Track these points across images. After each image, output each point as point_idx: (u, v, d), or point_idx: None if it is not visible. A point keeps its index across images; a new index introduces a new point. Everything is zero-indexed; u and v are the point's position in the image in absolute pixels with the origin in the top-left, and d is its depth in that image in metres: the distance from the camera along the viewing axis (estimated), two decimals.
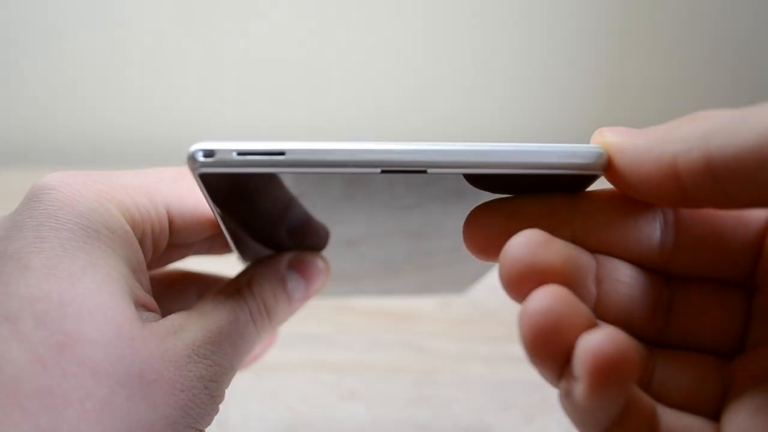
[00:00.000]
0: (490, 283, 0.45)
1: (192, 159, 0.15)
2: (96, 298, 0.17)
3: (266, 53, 0.63)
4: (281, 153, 0.15)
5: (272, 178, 0.16)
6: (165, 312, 0.20)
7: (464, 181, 0.17)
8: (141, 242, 0.20)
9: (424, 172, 0.15)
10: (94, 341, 0.17)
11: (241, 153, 0.15)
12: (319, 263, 0.23)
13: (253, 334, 0.21)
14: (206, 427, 0.19)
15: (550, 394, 0.37)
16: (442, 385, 0.38)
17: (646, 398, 0.15)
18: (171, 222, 0.21)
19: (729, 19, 0.63)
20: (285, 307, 0.22)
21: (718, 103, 0.65)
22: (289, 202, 0.19)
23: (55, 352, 0.16)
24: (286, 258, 0.23)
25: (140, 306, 0.19)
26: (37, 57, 0.63)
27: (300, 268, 0.23)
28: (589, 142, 0.18)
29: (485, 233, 0.17)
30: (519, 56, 0.65)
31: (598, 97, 0.67)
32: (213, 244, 0.24)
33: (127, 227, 0.19)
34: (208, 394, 0.19)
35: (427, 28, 0.63)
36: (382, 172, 0.15)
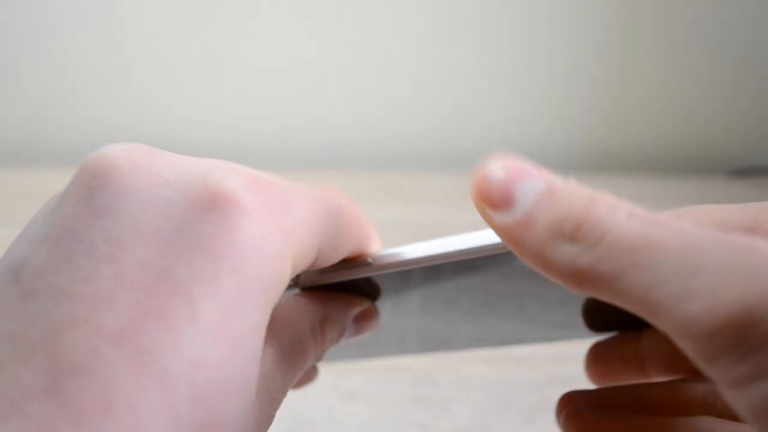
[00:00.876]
0: None
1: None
2: (249, 372, 0.14)
3: (266, 53, 0.63)
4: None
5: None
6: None
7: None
8: None
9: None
10: (232, 425, 0.14)
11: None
12: (375, 323, 0.21)
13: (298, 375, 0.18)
14: None
15: (550, 394, 0.37)
16: (442, 385, 0.38)
17: None
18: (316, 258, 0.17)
19: (729, 19, 0.63)
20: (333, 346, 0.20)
21: (718, 103, 0.65)
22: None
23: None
24: (356, 310, 0.21)
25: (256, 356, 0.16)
26: (37, 57, 0.63)
27: (359, 322, 0.21)
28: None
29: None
30: (520, 57, 0.65)
31: (599, 98, 0.67)
32: None
33: (288, 278, 0.16)
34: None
35: (428, 31, 0.63)
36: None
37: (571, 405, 0.20)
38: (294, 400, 0.36)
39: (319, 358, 0.19)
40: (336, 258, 0.18)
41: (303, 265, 0.16)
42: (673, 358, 0.19)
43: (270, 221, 0.15)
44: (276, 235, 0.15)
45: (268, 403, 0.16)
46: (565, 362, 0.38)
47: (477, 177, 0.15)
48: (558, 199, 0.14)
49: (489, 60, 0.65)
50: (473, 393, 0.37)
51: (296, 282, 0.20)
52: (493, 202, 0.15)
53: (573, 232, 0.14)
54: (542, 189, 0.15)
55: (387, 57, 0.64)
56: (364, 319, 0.21)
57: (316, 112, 0.66)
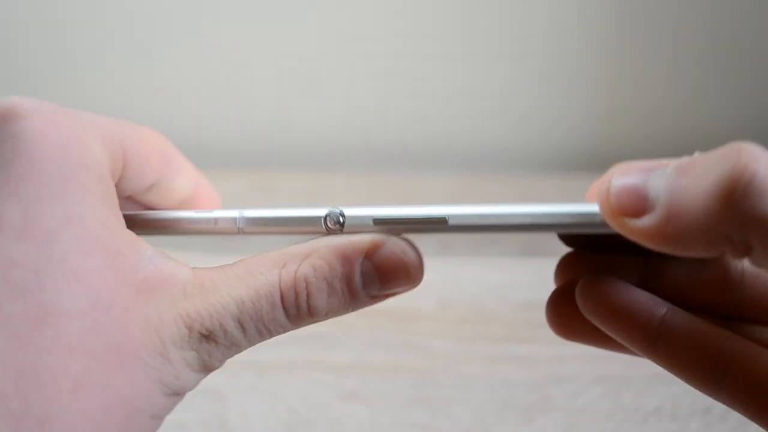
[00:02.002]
0: (490, 282, 0.45)
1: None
2: (73, 263, 0.16)
3: (266, 53, 0.63)
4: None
5: None
6: None
7: None
8: None
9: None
10: (69, 313, 0.15)
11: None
12: (411, 259, 0.18)
13: (280, 324, 0.18)
14: (186, 391, 0.17)
15: (550, 394, 0.37)
16: (442, 385, 0.38)
17: None
18: (124, 167, 0.19)
19: (729, 19, 0.63)
20: (341, 304, 0.18)
21: (718, 103, 0.65)
22: None
23: (31, 328, 0.15)
24: (368, 240, 0.18)
25: (128, 248, 0.17)
26: (37, 57, 0.63)
27: (379, 262, 0.18)
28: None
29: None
30: (520, 56, 0.65)
31: (598, 98, 0.67)
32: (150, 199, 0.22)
33: (105, 165, 0.17)
34: (199, 369, 0.17)
35: (428, 31, 0.63)
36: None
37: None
38: (294, 400, 0.36)
39: (313, 306, 0.18)
40: (149, 173, 0.20)
41: (116, 164, 0.18)
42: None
43: (53, 117, 0.17)
44: (62, 127, 0.17)
45: (198, 317, 0.17)
46: (565, 362, 0.38)
47: (603, 196, 0.16)
48: (700, 168, 0.14)
49: (489, 60, 0.65)
50: (473, 393, 0.37)
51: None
52: (630, 209, 0.15)
53: (745, 188, 0.13)
54: (672, 171, 0.15)
55: (387, 57, 0.64)
56: (386, 258, 0.18)
57: (315, 112, 0.66)
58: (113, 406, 0.16)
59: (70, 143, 0.16)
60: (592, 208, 0.16)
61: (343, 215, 0.18)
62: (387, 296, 0.19)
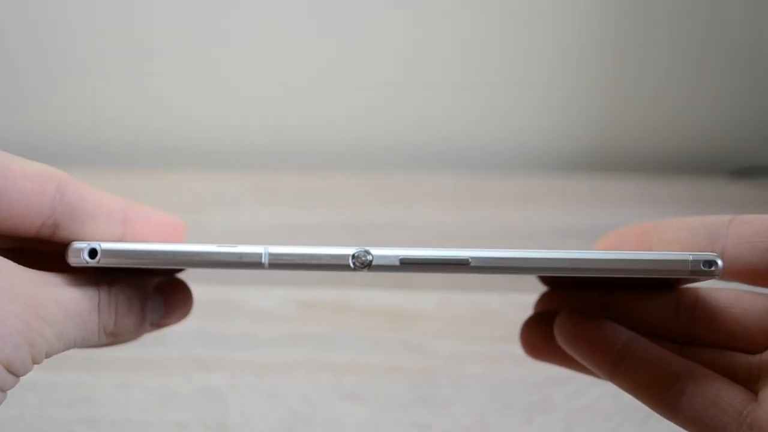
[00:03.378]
0: (490, 282, 0.45)
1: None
2: None
3: (265, 53, 0.63)
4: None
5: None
6: None
7: None
8: None
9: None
10: None
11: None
12: (186, 295, 0.22)
13: (91, 327, 0.19)
14: (18, 371, 0.18)
15: (550, 394, 0.37)
16: (442, 385, 0.38)
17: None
18: None
19: (729, 19, 0.63)
20: (134, 322, 0.21)
21: (718, 103, 0.65)
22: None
23: None
24: (157, 279, 0.22)
25: None
26: (38, 58, 0.63)
27: (166, 293, 0.22)
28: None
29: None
30: (520, 57, 0.65)
31: (598, 98, 0.67)
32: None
33: None
34: (24, 335, 0.18)
35: (427, 31, 0.63)
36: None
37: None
38: (294, 400, 0.36)
39: (118, 322, 0.20)
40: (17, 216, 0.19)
41: None
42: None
43: None
44: None
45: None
46: None
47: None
48: None
49: (489, 60, 0.65)
50: (473, 393, 0.37)
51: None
52: None
53: None
54: None
55: (387, 57, 0.64)
56: (170, 291, 0.22)
57: (315, 112, 0.66)
58: None
59: None
60: (625, 255, 0.18)
61: (370, 254, 0.18)
62: (164, 325, 0.22)
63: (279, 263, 0.18)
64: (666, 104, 0.67)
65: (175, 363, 0.38)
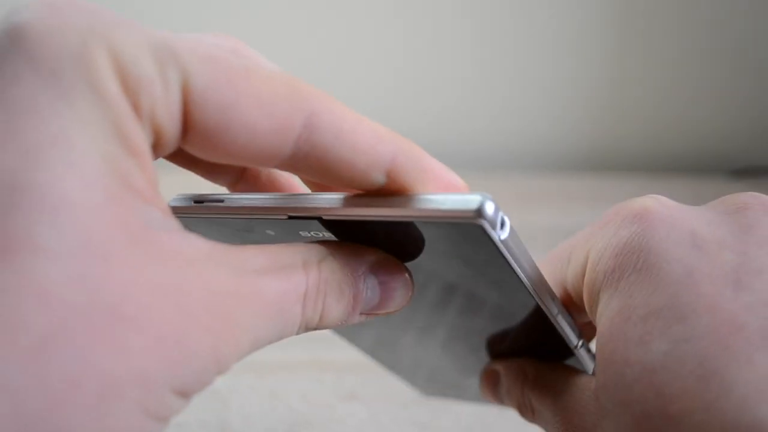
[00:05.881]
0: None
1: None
2: (62, 188, 0.12)
3: (265, 52, 0.63)
4: (221, 200, 0.17)
5: None
6: None
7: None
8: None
9: (319, 218, 0.16)
10: (48, 251, 0.12)
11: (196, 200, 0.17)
12: (406, 278, 0.17)
13: (291, 325, 0.15)
14: (195, 393, 0.13)
15: None
16: None
17: None
18: (188, 112, 0.13)
19: (729, 19, 0.63)
20: (342, 314, 0.16)
21: (718, 103, 0.65)
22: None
23: None
24: (373, 257, 0.17)
25: (139, 201, 0.13)
26: None
27: (383, 276, 0.17)
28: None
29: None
30: (521, 57, 0.65)
31: (599, 98, 0.67)
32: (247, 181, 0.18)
33: (118, 91, 0.13)
34: (209, 355, 0.13)
35: (428, 31, 0.63)
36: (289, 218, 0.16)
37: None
38: (294, 400, 0.36)
39: (325, 312, 0.16)
40: (236, 124, 0.14)
41: (149, 82, 0.13)
42: None
43: (65, 24, 0.13)
44: (68, 37, 0.13)
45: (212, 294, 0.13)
46: None
47: None
48: None
49: (489, 60, 0.65)
50: None
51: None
52: None
53: None
54: None
55: (389, 58, 0.64)
56: (388, 272, 0.17)
57: None
58: (85, 378, 0.12)
59: (77, 55, 0.13)
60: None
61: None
62: (378, 314, 0.17)
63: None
64: (666, 105, 0.67)
65: None
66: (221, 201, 0.16)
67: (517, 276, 0.16)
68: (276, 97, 0.14)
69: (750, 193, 0.17)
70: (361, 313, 0.17)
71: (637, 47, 0.65)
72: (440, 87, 0.66)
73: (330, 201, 0.16)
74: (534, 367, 0.21)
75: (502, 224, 0.14)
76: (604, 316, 0.16)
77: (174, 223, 0.14)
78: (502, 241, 0.14)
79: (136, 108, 0.13)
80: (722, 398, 0.13)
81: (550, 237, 0.54)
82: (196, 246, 0.13)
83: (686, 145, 0.69)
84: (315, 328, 0.16)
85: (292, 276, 0.15)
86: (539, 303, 0.17)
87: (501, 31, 0.63)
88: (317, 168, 0.15)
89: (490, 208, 0.13)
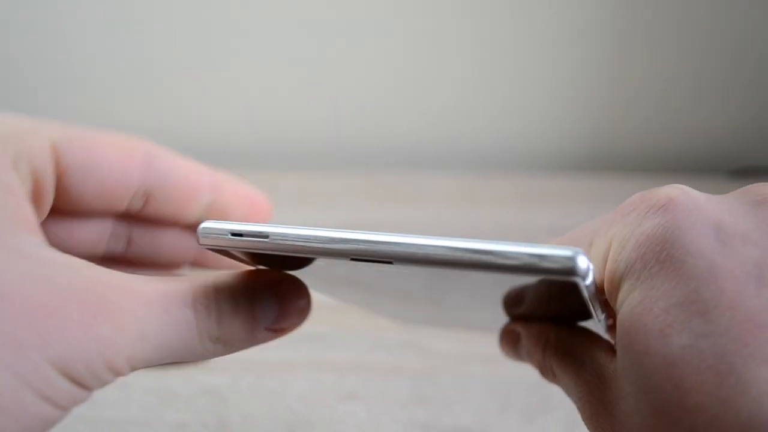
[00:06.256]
0: None
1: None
2: None
3: (265, 52, 0.63)
4: (266, 236, 0.16)
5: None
6: None
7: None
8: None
9: (390, 263, 0.15)
10: None
11: (234, 233, 0.16)
12: (301, 301, 0.19)
13: (188, 329, 0.17)
14: (89, 380, 0.15)
15: (550, 394, 0.37)
16: (442, 385, 0.38)
17: None
18: (61, 169, 0.18)
19: (729, 19, 0.63)
20: (243, 329, 0.18)
21: (718, 103, 0.65)
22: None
23: None
24: (265, 277, 0.19)
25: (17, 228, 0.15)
26: (38, 59, 0.63)
27: (277, 293, 0.19)
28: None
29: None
30: (520, 56, 0.65)
31: (599, 98, 0.67)
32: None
33: (12, 183, 0.16)
34: (86, 333, 0.15)
35: (428, 31, 0.63)
36: (352, 260, 0.16)
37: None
38: (294, 400, 0.36)
39: (225, 335, 0.17)
40: (113, 182, 0.19)
41: (41, 179, 0.17)
42: None
43: None
44: None
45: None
46: None
47: None
48: None
49: (489, 60, 0.65)
50: (473, 393, 0.37)
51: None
52: None
53: None
54: None
55: (388, 58, 0.64)
56: (286, 290, 0.19)
57: (315, 112, 0.66)
58: None
59: None
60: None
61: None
62: (281, 333, 0.19)
63: None
64: (666, 104, 0.67)
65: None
66: (266, 237, 0.16)
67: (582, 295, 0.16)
68: (121, 141, 0.19)
69: None
70: (265, 328, 0.18)
71: (637, 47, 0.64)
72: (440, 87, 0.66)
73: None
74: (555, 332, 0.21)
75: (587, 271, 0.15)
76: (625, 304, 0.17)
77: (53, 249, 0.15)
78: (587, 287, 0.15)
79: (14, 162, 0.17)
80: (738, 395, 0.13)
81: (551, 237, 0.54)
82: (76, 259, 0.15)
83: (686, 145, 0.68)
84: (222, 342, 0.17)
85: (176, 283, 0.16)
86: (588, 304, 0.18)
87: (501, 31, 0.63)
88: (161, 192, 0.19)
89: (583, 263, 0.14)
